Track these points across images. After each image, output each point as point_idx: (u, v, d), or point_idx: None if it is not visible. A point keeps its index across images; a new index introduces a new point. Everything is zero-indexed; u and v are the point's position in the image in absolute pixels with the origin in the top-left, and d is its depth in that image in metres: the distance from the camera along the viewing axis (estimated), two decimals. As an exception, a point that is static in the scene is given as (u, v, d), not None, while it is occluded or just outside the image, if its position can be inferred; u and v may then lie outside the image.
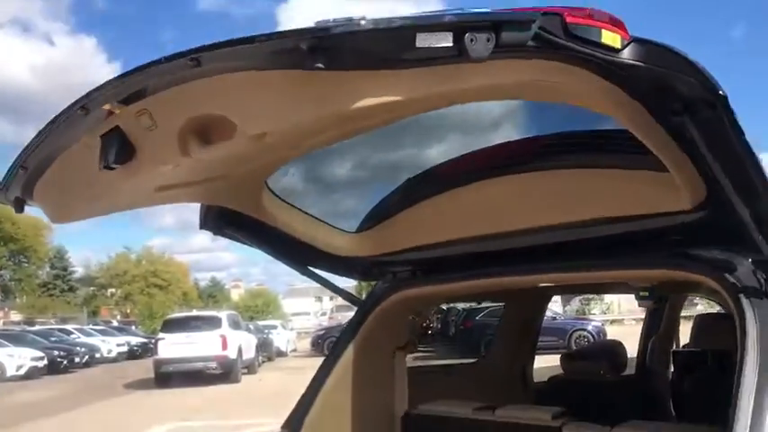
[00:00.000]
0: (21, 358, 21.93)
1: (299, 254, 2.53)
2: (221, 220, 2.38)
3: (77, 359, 24.87)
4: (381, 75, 1.37)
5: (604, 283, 3.67)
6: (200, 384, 15.16)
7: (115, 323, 41.42)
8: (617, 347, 3.86)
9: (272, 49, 1.32)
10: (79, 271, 64.30)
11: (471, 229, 2.32)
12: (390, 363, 2.66)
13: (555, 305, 24.75)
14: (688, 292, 4.47)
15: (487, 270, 2.43)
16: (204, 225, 2.41)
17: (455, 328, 19.26)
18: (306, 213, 2.47)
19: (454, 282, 2.54)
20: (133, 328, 38.07)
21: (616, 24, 1.35)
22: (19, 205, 1.96)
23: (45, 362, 22.52)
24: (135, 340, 31.39)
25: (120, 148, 1.65)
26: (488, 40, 1.26)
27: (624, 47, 1.34)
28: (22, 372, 21.45)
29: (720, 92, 1.40)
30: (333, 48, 1.28)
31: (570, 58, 1.35)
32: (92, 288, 64.17)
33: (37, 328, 31.23)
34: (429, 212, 2.38)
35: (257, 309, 56.48)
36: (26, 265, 58.35)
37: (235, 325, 19.43)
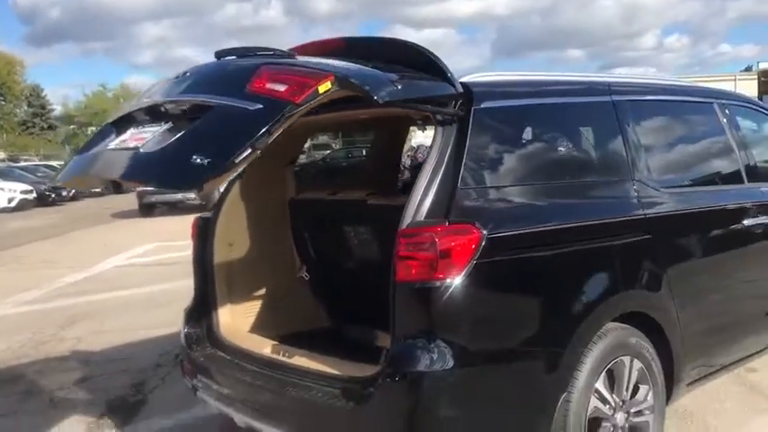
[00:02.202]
0: (11, 191, 23.38)
1: None
2: None
3: (64, 192, 26.18)
4: None
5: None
6: (180, 214, 16.57)
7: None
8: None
9: None
10: (57, 109, 64.48)
11: None
12: (282, 172, 3.91)
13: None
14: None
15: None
16: None
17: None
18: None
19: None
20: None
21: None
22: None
23: (34, 195, 24.02)
24: (118, 175, 32.62)
25: None
26: None
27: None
28: (13, 204, 22.97)
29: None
30: None
31: None
32: (72, 126, 64.61)
33: (22, 164, 32.38)
34: None
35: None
36: (3, 103, 58.32)
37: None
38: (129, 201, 20.14)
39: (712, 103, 3.83)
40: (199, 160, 2.20)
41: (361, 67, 2.59)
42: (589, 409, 2.73)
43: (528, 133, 2.91)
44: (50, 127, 62.07)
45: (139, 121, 2.76)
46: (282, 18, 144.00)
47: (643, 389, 2.99)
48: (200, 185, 2.29)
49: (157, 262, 10.26)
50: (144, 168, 2.51)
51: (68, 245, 13.47)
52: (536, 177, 2.87)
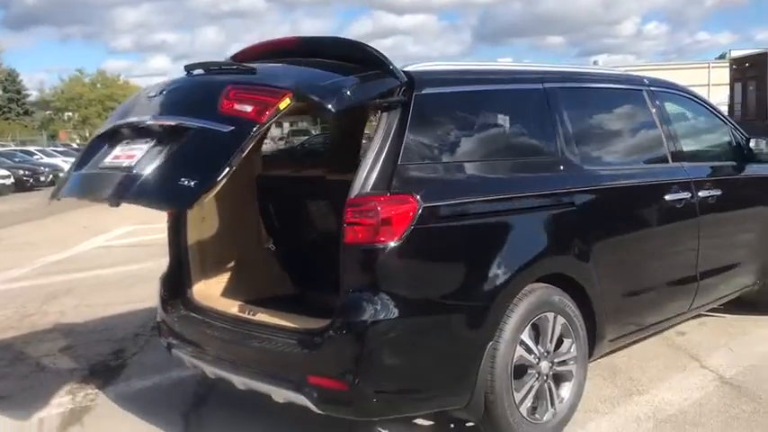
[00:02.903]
0: (-12, 177, 23.48)
1: None
2: None
3: (42, 178, 26.31)
4: None
5: None
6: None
7: (75, 146, 42.39)
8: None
9: None
10: (34, 94, 63.86)
11: None
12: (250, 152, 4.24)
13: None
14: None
15: None
16: None
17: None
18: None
19: None
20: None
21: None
22: None
23: (12, 180, 24.10)
24: (96, 161, 32.64)
25: None
26: None
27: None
28: (-9, 189, 23.10)
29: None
30: None
31: None
32: (48, 112, 64.09)
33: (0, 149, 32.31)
34: None
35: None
36: (-22, 88, 57.71)
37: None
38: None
39: (641, 90, 4.24)
40: (186, 182, 2.61)
41: (314, 77, 2.98)
42: (515, 358, 3.13)
43: (464, 116, 3.30)
44: (27, 112, 61.50)
45: (127, 137, 3.13)
46: (263, 3, 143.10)
47: (567, 342, 3.40)
48: (189, 206, 2.73)
49: (136, 243, 10.56)
50: (138, 191, 2.81)
51: (49, 227, 13.71)
52: (470, 155, 3.26)
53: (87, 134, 59.55)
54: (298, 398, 2.95)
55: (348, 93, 2.85)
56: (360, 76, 2.99)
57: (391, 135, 2.97)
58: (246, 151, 2.65)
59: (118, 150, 3.09)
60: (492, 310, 3.03)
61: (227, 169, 2.56)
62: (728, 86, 43.28)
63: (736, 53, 46.66)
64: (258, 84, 2.91)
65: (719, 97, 44.81)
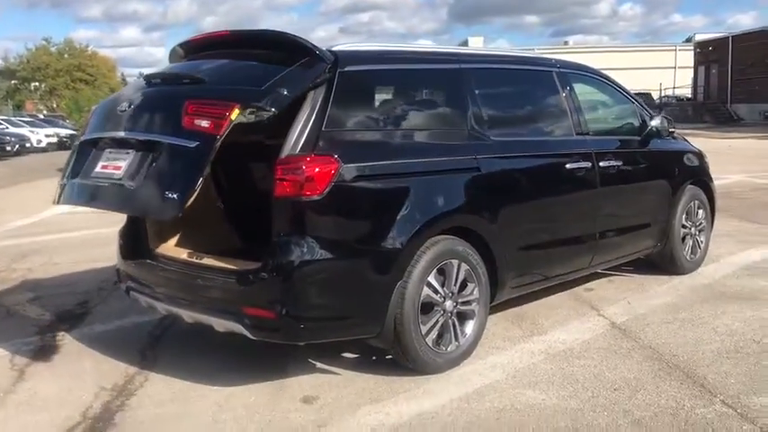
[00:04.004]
0: (-47, 146, 23.47)
1: None
2: None
3: (9, 148, 26.29)
4: None
5: None
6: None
7: (41, 117, 42.07)
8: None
9: None
10: (-2, 63, 62.78)
11: None
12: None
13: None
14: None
15: None
16: None
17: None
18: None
19: None
20: (61, 122, 39.01)
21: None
22: None
23: (-22, 149, 24.15)
24: (64, 132, 32.59)
25: None
26: None
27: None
28: (-44, 158, 23.11)
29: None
30: None
31: None
32: (13, 81, 63.09)
33: (-36, 118, 32.10)
34: None
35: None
36: (-59, 55, 56.52)
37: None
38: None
39: (551, 71, 4.80)
40: (170, 195, 3.27)
41: (254, 81, 3.48)
42: (422, 296, 3.70)
43: (383, 90, 3.85)
44: (-9, 81, 60.51)
45: (109, 146, 3.79)
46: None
47: (470, 285, 3.97)
48: (177, 215, 3.30)
49: (99, 210, 10.90)
50: (134, 204, 3.58)
51: (15, 195, 14.03)
52: (387, 124, 3.81)
53: (54, 105, 58.96)
54: (235, 326, 3.49)
55: (285, 92, 3.38)
56: (292, 69, 3.49)
57: (317, 105, 3.49)
58: (211, 158, 3.27)
59: (104, 160, 3.76)
60: (401, 256, 3.58)
61: (201, 179, 3.24)
62: (693, 68, 44.29)
63: (700, 37, 47.68)
64: (210, 98, 3.45)
65: (685, 80, 45.91)
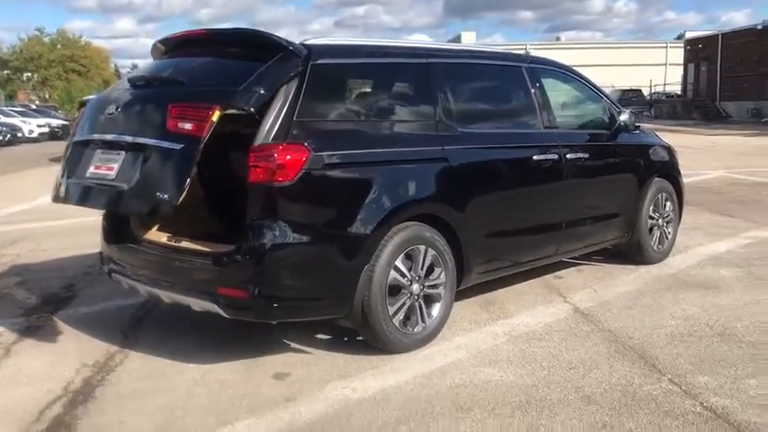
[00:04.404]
0: (-55, 135, 23.52)
1: None
2: None
3: (0, 137, 26.49)
4: None
5: None
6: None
7: (34, 107, 42.03)
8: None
9: None
10: (-9, 53, 62.58)
11: None
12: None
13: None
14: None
15: None
16: None
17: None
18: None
19: None
20: (53, 112, 38.98)
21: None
22: None
23: (-31, 139, 24.22)
24: (56, 122, 32.62)
25: None
26: None
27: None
28: (-53, 147, 23.17)
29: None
30: None
31: None
32: (6, 72, 62.93)
33: (-44, 107, 32.09)
34: None
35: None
36: (-67, 44, 56.29)
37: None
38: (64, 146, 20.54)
39: (520, 66, 4.99)
40: (161, 195, 3.51)
41: (232, 81, 3.65)
42: (389, 279, 3.89)
43: (354, 83, 4.04)
44: (-17, 71, 60.31)
45: (100, 147, 4.00)
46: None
47: (437, 270, 4.17)
48: (169, 214, 3.64)
49: (91, 199, 11.05)
50: (128, 205, 3.81)
51: (6, 183, 14.16)
52: (357, 115, 4.00)
53: (47, 96, 58.89)
54: (211, 306, 3.68)
55: (261, 90, 3.57)
56: (267, 66, 3.66)
57: (290, 96, 3.67)
58: (197, 159, 3.52)
59: (96, 160, 3.98)
60: (368, 241, 3.77)
61: (189, 180, 3.48)
62: (682, 65, 44.57)
63: (690, 34, 47.99)
64: (192, 101, 3.65)
65: (676, 77, 46.22)
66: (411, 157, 4.07)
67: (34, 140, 29.39)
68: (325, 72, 3.84)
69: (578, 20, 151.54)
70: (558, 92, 5.35)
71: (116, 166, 3.83)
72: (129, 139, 3.82)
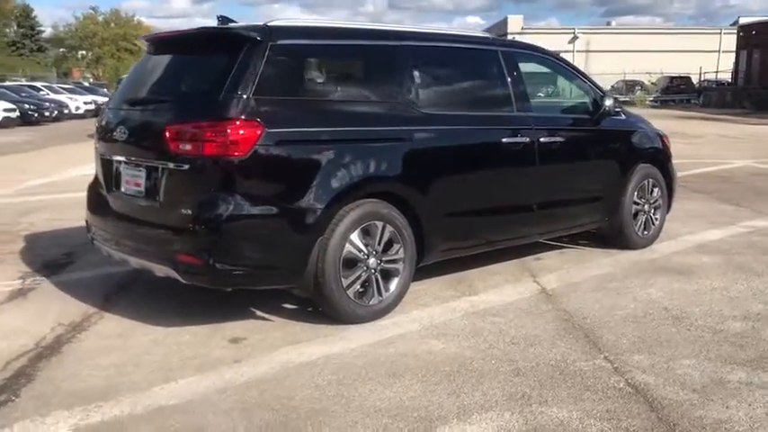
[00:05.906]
0: (-6, 109, 24.43)
1: None
2: None
3: (47, 113, 27.29)
4: None
5: None
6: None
7: (87, 84, 43.17)
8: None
9: None
10: (48, 31, 64.45)
11: None
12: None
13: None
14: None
15: None
16: None
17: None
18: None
19: None
20: (104, 90, 39.95)
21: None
22: None
23: (17, 113, 25.07)
24: (101, 100, 33.41)
25: None
26: None
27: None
28: (-4, 121, 24.08)
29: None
30: None
31: None
32: (61, 50, 64.75)
33: (8, 83, 33.19)
34: None
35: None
36: (-8, 22, 58.21)
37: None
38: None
39: (496, 50, 5.07)
40: (185, 211, 3.85)
41: (213, 89, 3.87)
42: (344, 253, 4.06)
43: (313, 63, 4.19)
44: (40, 49, 62.11)
45: (122, 162, 4.38)
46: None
47: (396, 246, 4.32)
48: (194, 226, 3.83)
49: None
50: (159, 217, 4.07)
51: (39, 157, 14.73)
52: (316, 94, 4.17)
53: (100, 73, 60.44)
54: (170, 272, 3.91)
55: (239, 93, 3.78)
56: (238, 65, 3.85)
57: (247, 74, 3.85)
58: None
59: (126, 175, 4.34)
60: (321, 215, 3.93)
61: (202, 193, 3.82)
62: (735, 52, 43.24)
63: (744, 20, 46.45)
64: (183, 121, 3.88)
65: (729, 64, 44.89)
66: (369, 137, 4.21)
67: (81, 117, 30.22)
68: (284, 52, 4.00)
69: (637, 4, 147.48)
70: (537, 77, 5.41)
71: (142, 182, 4.22)
72: (140, 162, 4.24)
